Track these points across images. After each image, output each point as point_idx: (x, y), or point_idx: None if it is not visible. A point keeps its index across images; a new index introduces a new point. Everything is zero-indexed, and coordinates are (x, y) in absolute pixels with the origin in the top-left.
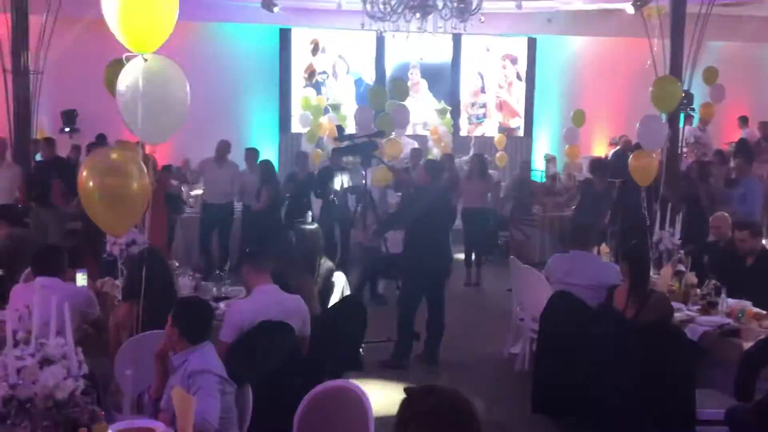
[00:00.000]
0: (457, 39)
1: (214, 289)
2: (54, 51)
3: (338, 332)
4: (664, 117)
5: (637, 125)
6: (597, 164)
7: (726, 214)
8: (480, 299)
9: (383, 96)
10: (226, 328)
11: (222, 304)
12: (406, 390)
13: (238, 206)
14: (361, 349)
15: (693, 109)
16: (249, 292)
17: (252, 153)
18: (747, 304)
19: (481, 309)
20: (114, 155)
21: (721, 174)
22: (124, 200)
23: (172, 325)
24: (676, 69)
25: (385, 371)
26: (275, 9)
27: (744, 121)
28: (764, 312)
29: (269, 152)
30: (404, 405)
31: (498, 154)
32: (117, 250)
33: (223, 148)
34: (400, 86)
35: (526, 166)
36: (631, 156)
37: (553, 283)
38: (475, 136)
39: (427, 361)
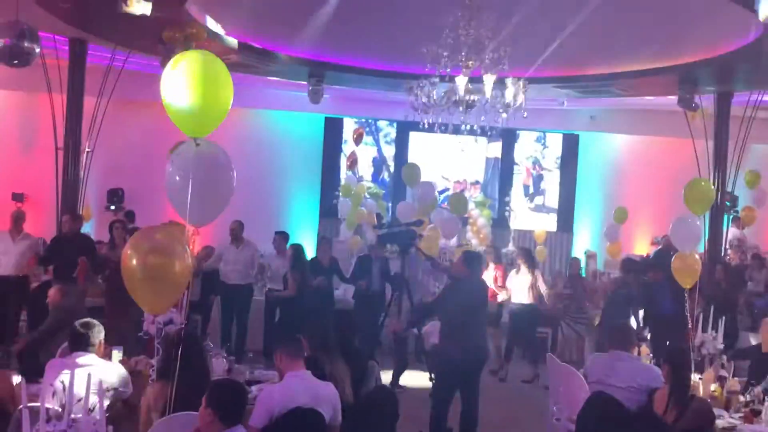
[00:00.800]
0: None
1: (247, 372)
2: (105, 131)
3: (370, 422)
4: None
5: (671, 225)
6: (629, 264)
7: None
8: (514, 395)
9: (465, 204)
10: (256, 412)
11: (254, 388)
12: None
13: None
14: None
15: (737, 211)
16: (281, 376)
17: (281, 237)
18: None
19: (515, 405)
20: (158, 235)
21: (762, 278)
22: (166, 279)
23: (206, 407)
24: (720, 171)
25: None
26: (320, 99)
27: None
28: None
29: (309, 237)
30: None
31: (538, 248)
32: (154, 329)
33: (236, 228)
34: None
35: (576, 262)
36: (674, 256)
37: (591, 383)
38: (515, 229)
39: None
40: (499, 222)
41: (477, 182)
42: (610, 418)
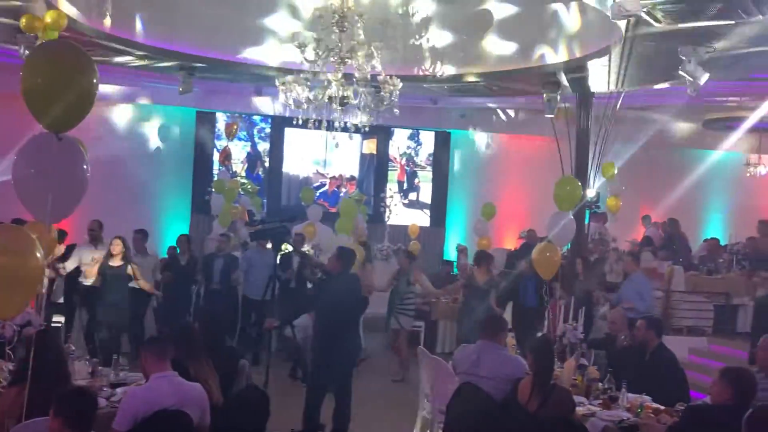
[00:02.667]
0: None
1: (112, 374)
2: None
3: (239, 422)
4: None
5: (547, 221)
6: (479, 255)
7: (622, 310)
8: (387, 390)
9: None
10: (120, 415)
11: (119, 390)
12: None
13: None
14: None
15: (599, 207)
16: (146, 378)
17: (140, 235)
18: (646, 399)
19: (387, 400)
20: (7, 234)
21: (620, 270)
22: (14, 281)
23: (54, 417)
24: (581, 167)
25: None
26: (190, 91)
27: (647, 219)
28: (662, 407)
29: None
30: None
31: (411, 243)
32: (10, 331)
33: (95, 228)
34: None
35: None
36: (534, 249)
37: (460, 374)
38: (390, 225)
39: None
40: (375, 218)
41: (353, 178)
42: (478, 407)
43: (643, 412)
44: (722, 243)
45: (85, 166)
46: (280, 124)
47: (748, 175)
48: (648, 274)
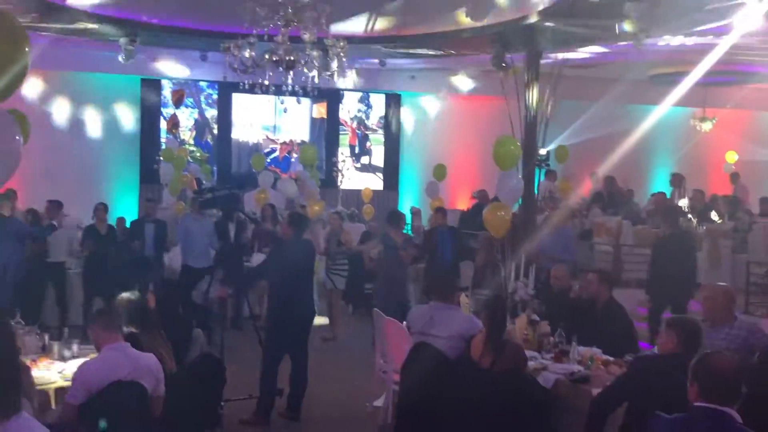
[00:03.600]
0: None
1: (64, 348)
2: None
3: (195, 390)
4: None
5: (496, 181)
6: (392, 215)
7: (565, 266)
8: (345, 352)
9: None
10: (73, 389)
11: (71, 364)
12: None
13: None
14: (221, 407)
15: (549, 165)
16: (98, 350)
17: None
18: (597, 352)
19: (346, 362)
20: None
21: (576, 226)
22: None
23: None
24: (530, 126)
25: (246, 429)
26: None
27: (594, 175)
28: (612, 359)
29: (131, 204)
30: None
31: (365, 207)
32: None
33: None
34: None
35: None
36: (486, 209)
37: (414, 333)
38: (343, 189)
39: (289, 417)
40: (328, 182)
41: (303, 143)
42: (432, 367)
43: (593, 365)
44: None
45: (17, 138)
46: (227, 89)
47: (693, 129)
48: (597, 228)
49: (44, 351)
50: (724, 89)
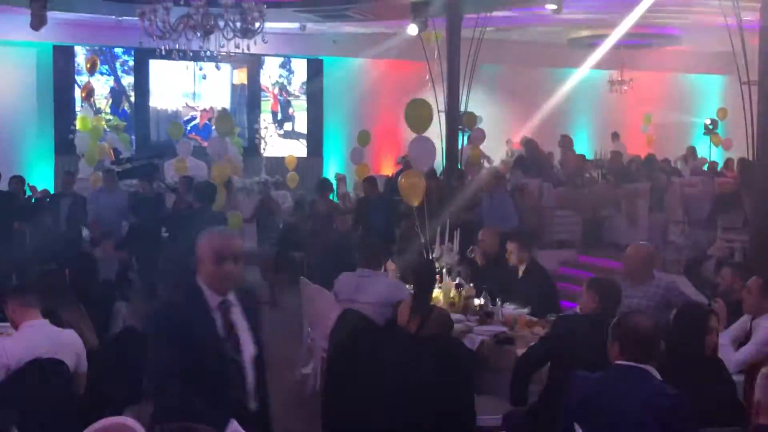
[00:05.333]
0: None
1: None
2: None
3: (118, 365)
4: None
5: (409, 145)
6: (320, 184)
7: (493, 229)
8: (276, 320)
9: (231, 122)
10: None
11: None
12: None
13: None
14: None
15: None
16: (15, 328)
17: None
18: (522, 313)
19: (276, 330)
20: None
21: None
22: None
23: None
24: (453, 90)
25: None
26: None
27: (508, 143)
28: (536, 319)
29: (46, 175)
30: None
31: (289, 175)
32: None
33: None
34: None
35: None
36: (401, 176)
37: (342, 301)
38: (266, 157)
39: None
40: (250, 150)
41: (223, 110)
42: (360, 333)
43: (517, 325)
44: (588, 158)
45: None
46: (144, 56)
47: (611, 91)
48: (519, 192)
49: None
50: (641, 52)
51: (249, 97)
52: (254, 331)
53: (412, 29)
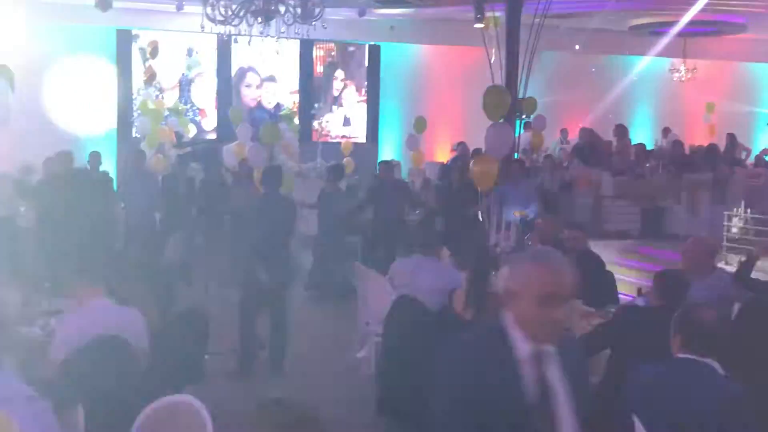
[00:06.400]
0: (305, 44)
1: (45, 302)
2: None
3: (178, 344)
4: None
5: (486, 132)
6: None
7: (550, 217)
8: (328, 304)
9: (277, 133)
10: (55, 344)
11: (52, 320)
12: (258, 404)
13: None
14: (204, 361)
15: (528, 117)
16: (81, 306)
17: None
18: (577, 303)
19: (328, 314)
20: None
21: (556, 179)
22: None
23: None
24: (511, 77)
25: (229, 382)
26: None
27: (564, 132)
28: (593, 310)
29: (108, 157)
30: (256, 418)
31: (345, 160)
32: None
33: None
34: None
35: None
36: (473, 161)
37: (397, 287)
38: (323, 143)
39: (273, 369)
40: (306, 136)
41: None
42: (414, 319)
43: (573, 316)
44: (649, 148)
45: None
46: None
47: (673, 80)
48: (578, 181)
49: (23, 306)
50: (705, 40)
51: (305, 82)
52: (578, 394)
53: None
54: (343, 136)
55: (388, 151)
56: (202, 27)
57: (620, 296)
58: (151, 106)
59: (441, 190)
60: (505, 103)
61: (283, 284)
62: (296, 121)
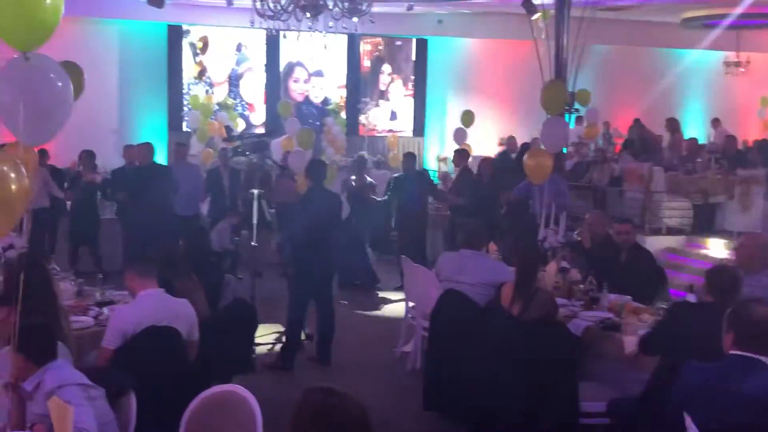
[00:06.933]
0: (352, 39)
1: (98, 293)
2: None
3: (228, 335)
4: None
5: (542, 126)
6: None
7: (600, 212)
8: (373, 297)
9: (311, 136)
10: (109, 334)
11: (106, 309)
12: (305, 391)
13: None
14: (253, 352)
15: (578, 110)
16: (134, 296)
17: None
18: (627, 299)
19: (374, 307)
20: None
21: (605, 173)
22: (1, 203)
23: (17, 353)
24: (560, 71)
25: (276, 373)
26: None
27: (606, 125)
28: (643, 306)
29: (159, 151)
30: (302, 406)
31: (391, 155)
32: None
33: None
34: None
35: None
36: (526, 154)
37: (443, 281)
38: (368, 137)
39: (319, 361)
40: (353, 129)
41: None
42: (461, 313)
43: (624, 312)
44: (701, 143)
45: (60, 85)
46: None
47: (725, 74)
48: (627, 175)
49: (79, 296)
50: (759, 32)
51: (353, 76)
52: None
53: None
54: (389, 130)
55: (434, 145)
56: (252, 22)
57: (671, 293)
58: (201, 100)
59: (473, 185)
60: (564, 97)
61: (330, 276)
62: (343, 115)
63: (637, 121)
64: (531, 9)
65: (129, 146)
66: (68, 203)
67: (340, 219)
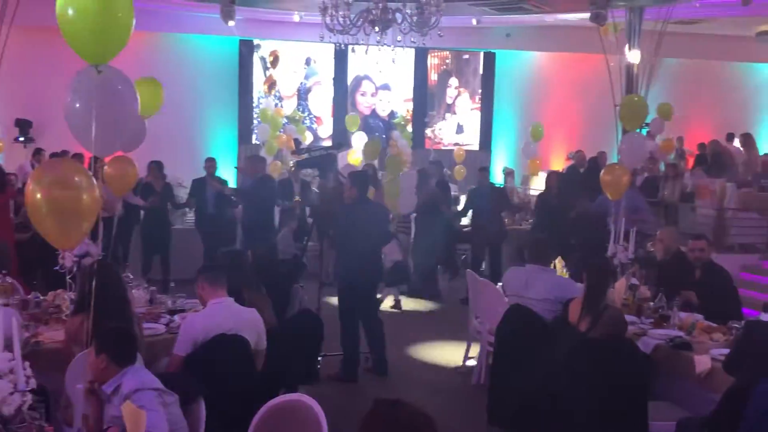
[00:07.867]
0: (420, 53)
1: (169, 301)
2: (9, 59)
3: (295, 345)
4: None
5: (621, 142)
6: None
7: (672, 229)
8: (436, 312)
9: (377, 147)
10: (180, 341)
11: (177, 317)
12: (375, 401)
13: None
14: (318, 362)
15: (648, 124)
16: (204, 305)
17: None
18: (698, 317)
19: (438, 321)
20: (62, 167)
21: (676, 187)
22: (73, 213)
23: (98, 355)
24: (631, 85)
25: (339, 384)
26: (231, 22)
27: (680, 141)
28: (715, 325)
29: (229, 163)
30: (371, 416)
31: (456, 168)
32: (69, 262)
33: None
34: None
35: None
36: (603, 170)
37: (509, 296)
38: (435, 150)
39: (376, 372)
40: (419, 142)
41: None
42: (528, 328)
43: (695, 331)
44: None
45: (129, 98)
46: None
47: None
48: (699, 191)
49: (151, 304)
50: None
51: (420, 90)
52: None
53: (591, 20)
54: (455, 144)
55: (500, 159)
56: (321, 37)
57: (744, 312)
58: (270, 114)
59: (541, 199)
60: (643, 112)
61: (375, 288)
62: (409, 128)
63: (714, 140)
64: (601, 20)
65: (250, 158)
66: (141, 213)
67: (387, 231)
